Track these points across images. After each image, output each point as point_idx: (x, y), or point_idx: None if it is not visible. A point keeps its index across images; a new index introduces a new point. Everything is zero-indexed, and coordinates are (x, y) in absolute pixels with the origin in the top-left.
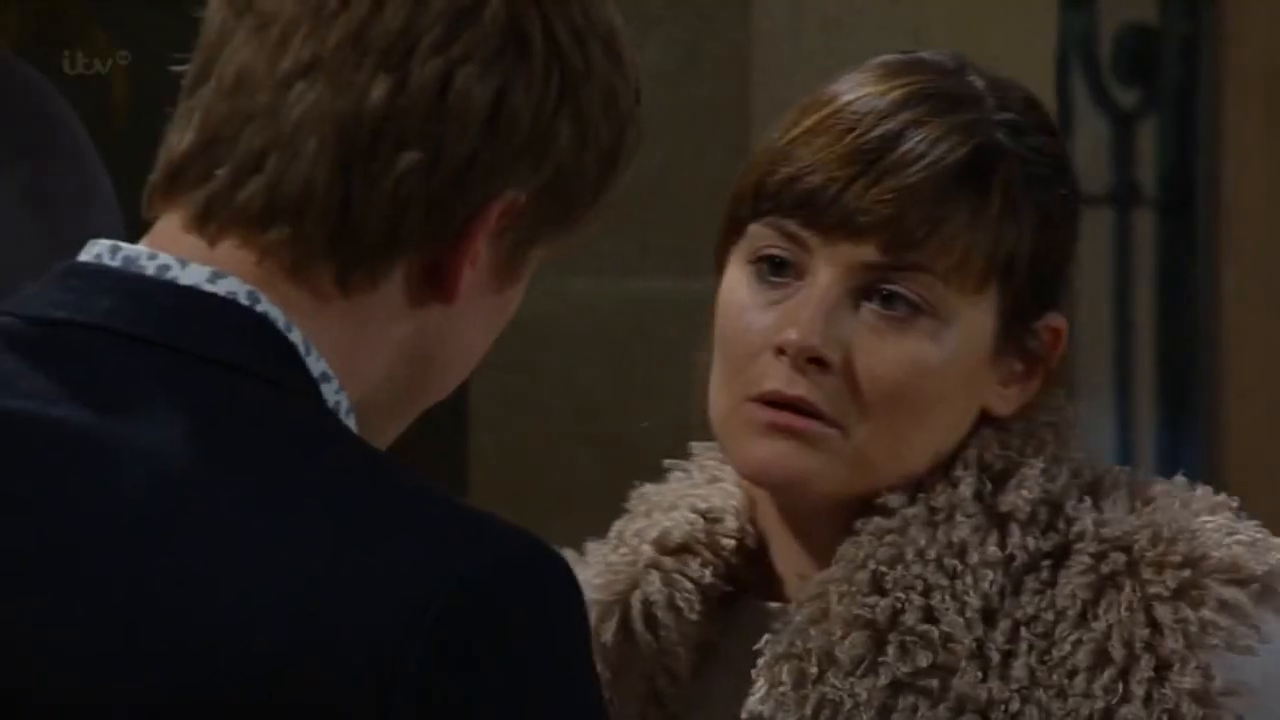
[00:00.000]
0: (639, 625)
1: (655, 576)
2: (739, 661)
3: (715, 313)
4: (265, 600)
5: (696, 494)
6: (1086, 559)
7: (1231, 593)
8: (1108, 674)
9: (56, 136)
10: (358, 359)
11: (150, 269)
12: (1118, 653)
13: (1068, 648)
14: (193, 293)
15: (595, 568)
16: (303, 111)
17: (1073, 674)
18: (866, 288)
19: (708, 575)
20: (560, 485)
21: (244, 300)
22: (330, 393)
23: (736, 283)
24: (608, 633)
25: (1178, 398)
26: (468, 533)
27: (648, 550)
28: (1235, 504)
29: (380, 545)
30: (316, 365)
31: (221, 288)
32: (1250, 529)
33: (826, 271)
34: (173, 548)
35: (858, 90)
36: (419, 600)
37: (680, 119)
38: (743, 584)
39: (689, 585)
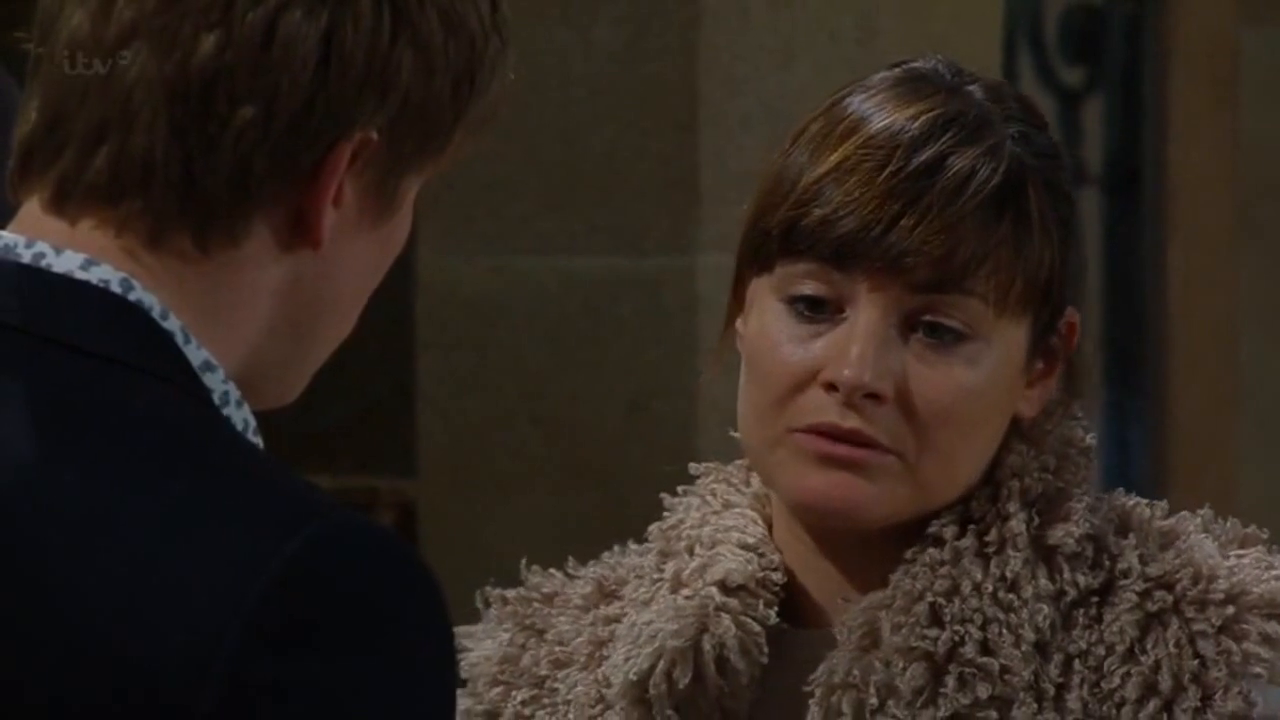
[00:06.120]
0: (711, 670)
1: (727, 620)
2: (784, 691)
3: (747, 345)
4: (95, 590)
5: (730, 525)
6: (1133, 596)
7: (1274, 627)
8: (1153, 704)
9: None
10: (234, 316)
11: (26, 257)
12: (1165, 684)
13: (1117, 680)
14: (64, 280)
15: (660, 610)
16: (133, 79)
17: (1120, 705)
18: (911, 318)
19: (773, 616)
20: (508, 465)
21: (116, 288)
22: (216, 382)
23: (769, 317)
24: (683, 678)
25: (1125, 376)
26: (293, 515)
27: (714, 592)
28: (1265, 536)
29: (209, 530)
30: (197, 355)
31: (94, 275)
32: None
33: (870, 309)
34: (9, 533)
35: (878, 117)
36: (240, 580)
37: (628, 98)
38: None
39: (757, 628)
